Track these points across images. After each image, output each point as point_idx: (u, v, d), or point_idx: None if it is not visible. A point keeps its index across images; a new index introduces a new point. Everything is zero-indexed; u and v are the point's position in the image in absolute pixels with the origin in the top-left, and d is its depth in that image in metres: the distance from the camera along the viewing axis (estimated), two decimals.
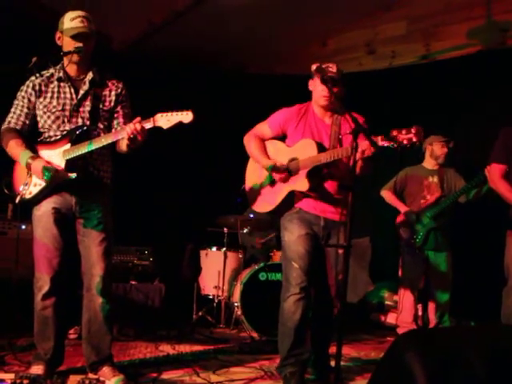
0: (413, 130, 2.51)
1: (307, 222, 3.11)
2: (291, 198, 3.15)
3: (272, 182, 3.24)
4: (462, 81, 5.57)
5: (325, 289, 3.15)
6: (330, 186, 3.09)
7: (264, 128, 3.30)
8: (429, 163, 4.88)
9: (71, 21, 2.88)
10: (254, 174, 3.39)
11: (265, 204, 3.28)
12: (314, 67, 3.11)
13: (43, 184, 2.88)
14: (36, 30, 4.82)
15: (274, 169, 3.11)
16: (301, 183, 3.07)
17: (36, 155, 2.90)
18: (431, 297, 4.75)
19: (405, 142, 2.53)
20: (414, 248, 4.71)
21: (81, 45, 2.86)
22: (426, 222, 4.67)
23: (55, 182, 2.85)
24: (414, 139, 2.51)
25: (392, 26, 5.57)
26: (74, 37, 2.86)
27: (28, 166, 2.87)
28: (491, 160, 3.41)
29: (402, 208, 4.83)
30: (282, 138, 3.30)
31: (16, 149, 2.92)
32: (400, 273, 4.94)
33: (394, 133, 2.56)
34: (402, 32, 5.67)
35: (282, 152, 3.20)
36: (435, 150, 4.80)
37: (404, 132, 2.53)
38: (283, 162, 3.14)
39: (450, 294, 4.65)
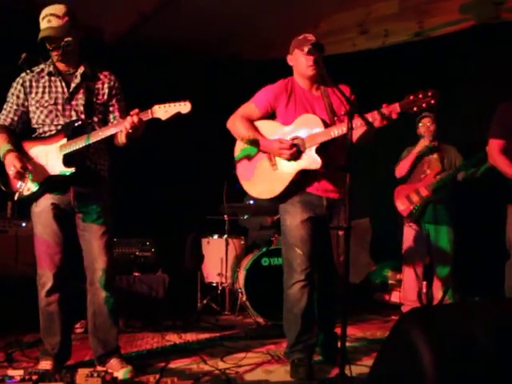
0: (429, 93, 2.56)
1: (310, 204, 3.01)
2: (299, 180, 2.99)
3: (273, 164, 3.06)
4: (457, 57, 5.54)
5: (329, 269, 3.14)
6: (331, 163, 2.97)
7: (250, 108, 3.11)
8: (426, 141, 4.89)
9: (42, 21, 2.84)
10: (246, 158, 3.17)
11: (268, 189, 3.07)
12: (300, 44, 3.03)
13: (41, 180, 2.88)
14: (26, 24, 4.78)
15: (279, 148, 2.93)
16: (312, 161, 2.92)
17: (12, 148, 2.88)
18: (434, 273, 4.77)
19: (423, 105, 2.58)
20: (412, 222, 4.74)
21: (54, 45, 2.82)
22: (423, 195, 4.70)
23: (17, 179, 2.86)
24: (432, 101, 2.56)
25: (384, 4, 5.53)
26: (41, 40, 2.83)
27: (3, 159, 2.87)
28: (489, 136, 3.41)
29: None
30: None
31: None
32: (402, 250, 4.96)
33: (411, 97, 2.60)
34: (394, 10, 5.63)
35: (280, 131, 3.03)
36: (420, 128, 4.84)
37: (421, 95, 2.58)
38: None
39: (450, 269, 4.66)
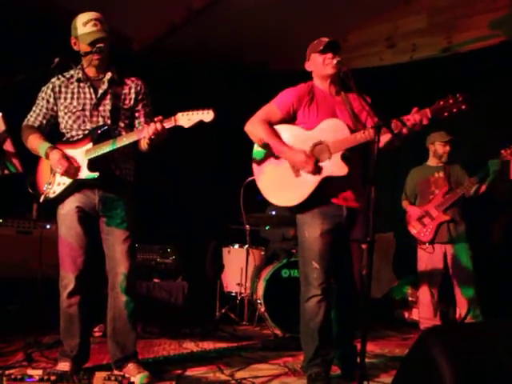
0: (460, 98, 2.56)
1: (330, 215, 2.93)
2: (323, 187, 2.89)
3: (295, 171, 2.95)
4: (486, 73, 5.49)
5: (349, 283, 3.10)
6: (354, 171, 2.91)
7: (272, 110, 3.02)
8: (433, 161, 4.96)
9: (84, 26, 2.90)
10: (266, 163, 3.06)
11: (287, 197, 2.97)
12: (318, 45, 3.01)
13: (67, 183, 2.92)
14: (53, 31, 4.89)
15: (305, 162, 2.85)
16: (338, 168, 2.83)
17: (54, 146, 2.94)
18: (458, 292, 4.68)
19: (454, 110, 2.58)
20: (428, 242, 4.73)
21: (102, 45, 2.88)
22: (435, 215, 4.66)
23: (68, 176, 2.89)
24: (463, 106, 2.56)
25: (412, 19, 5.53)
26: (91, 43, 2.88)
27: (47, 156, 2.93)
28: None
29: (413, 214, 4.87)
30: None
31: (35, 142, 2.99)
32: (418, 270, 4.93)
33: (442, 102, 2.61)
34: (422, 25, 5.63)
35: (302, 137, 2.94)
36: (437, 149, 4.85)
37: (451, 100, 2.58)
38: (306, 149, 2.90)
39: (475, 287, 4.59)
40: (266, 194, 3.06)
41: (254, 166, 3.12)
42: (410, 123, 2.68)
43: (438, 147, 4.85)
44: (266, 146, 3.01)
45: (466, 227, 4.73)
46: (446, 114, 2.62)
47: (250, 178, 3.18)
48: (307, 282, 2.95)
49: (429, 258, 4.78)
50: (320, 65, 2.99)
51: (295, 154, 2.91)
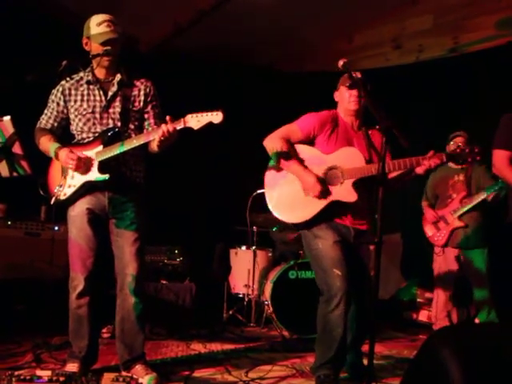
0: (476, 150, 2.82)
1: (338, 230, 3.01)
2: (330, 209, 2.97)
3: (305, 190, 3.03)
4: (493, 73, 5.47)
5: (360, 291, 3.09)
6: (363, 198, 2.99)
7: (293, 129, 3.08)
8: (453, 163, 4.77)
9: (98, 26, 2.91)
10: (278, 180, 3.11)
11: (295, 214, 3.04)
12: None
13: (77, 185, 2.94)
14: (61, 34, 4.93)
15: (313, 186, 2.93)
16: (347, 194, 2.94)
17: (61, 146, 2.97)
18: (473, 296, 4.64)
19: (469, 159, 2.84)
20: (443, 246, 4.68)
21: (110, 47, 2.90)
22: (450, 221, 4.61)
23: (79, 171, 2.91)
24: (478, 158, 2.83)
25: (419, 19, 5.50)
26: (104, 44, 2.89)
27: (56, 156, 2.96)
28: (495, 147, 3.33)
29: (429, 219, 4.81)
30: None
31: (46, 143, 3.02)
32: (434, 273, 4.88)
33: (458, 150, 2.85)
34: (428, 25, 5.60)
35: (319, 159, 3.03)
36: (451, 147, 4.70)
37: (468, 150, 2.83)
38: (321, 171, 3.00)
39: (488, 290, 4.51)
40: (274, 207, 3.11)
41: (268, 175, 3.16)
42: (424, 167, 2.87)
43: (451, 146, 4.63)
44: (280, 161, 3.06)
45: (484, 232, 4.60)
46: (460, 161, 2.89)
47: (260, 191, 3.20)
48: (330, 293, 2.92)
49: (443, 261, 4.72)
50: (345, 99, 3.10)
51: (306, 175, 2.98)
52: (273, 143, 3.05)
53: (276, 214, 3.10)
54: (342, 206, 2.99)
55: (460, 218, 4.60)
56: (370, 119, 2.80)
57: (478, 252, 4.57)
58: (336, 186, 2.98)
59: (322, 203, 2.97)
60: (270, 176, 3.16)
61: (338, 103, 3.19)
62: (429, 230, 4.80)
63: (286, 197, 3.07)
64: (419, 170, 2.90)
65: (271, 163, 3.15)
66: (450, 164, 4.79)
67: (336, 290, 2.89)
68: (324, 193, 2.94)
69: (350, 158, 2.98)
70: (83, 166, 2.91)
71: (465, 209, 4.57)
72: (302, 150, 3.08)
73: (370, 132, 3.14)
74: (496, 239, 4.65)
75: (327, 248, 2.95)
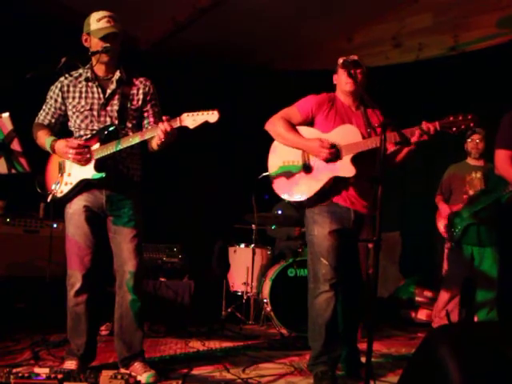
0: (469, 116, 2.73)
1: (338, 216, 3.02)
2: (329, 187, 3.02)
3: (307, 168, 3.07)
4: (494, 71, 5.46)
5: (356, 284, 3.13)
6: (363, 176, 3.00)
7: (293, 111, 3.16)
8: (471, 159, 4.74)
9: (98, 21, 2.91)
10: (277, 161, 3.19)
11: (297, 192, 3.08)
12: (340, 61, 3.13)
13: (74, 182, 2.94)
14: (61, 31, 4.92)
15: (320, 145, 2.98)
16: (346, 169, 2.97)
17: (56, 138, 2.97)
18: (477, 295, 4.60)
19: (462, 126, 2.74)
20: (455, 242, 4.62)
21: (109, 45, 2.89)
22: (465, 217, 4.56)
23: (78, 161, 2.90)
24: (471, 124, 2.73)
25: (418, 17, 5.49)
26: (103, 38, 2.89)
27: (52, 149, 2.96)
28: (496, 147, 3.33)
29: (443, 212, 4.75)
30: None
31: (42, 138, 3.02)
32: (443, 270, 4.84)
33: (451, 118, 2.76)
34: (428, 24, 5.59)
35: (318, 136, 3.06)
36: (468, 146, 4.69)
37: (461, 118, 2.74)
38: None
39: (493, 291, 4.46)
40: (277, 188, 3.17)
41: (273, 176, 3.20)
42: (419, 132, 2.81)
43: (468, 144, 4.69)
44: (283, 139, 3.13)
45: (496, 231, 4.57)
46: (454, 129, 2.77)
47: (264, 174, 3.26)
48: (316, 279, 3.01)
49: (455, 258, 4.67)
50: (342, 80, 3.15)
51: (310, 142, 3.04)
52: (274, 125, 3.15)
53: (279, 193, 3.17)
54: (343, 185, 3.03)
55: (475, 214, 4.56)
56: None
57: (490, 251, 4.53)
58: (336, 163, 3.01)
59: (323, 180, 3.01)
60: (278, 183, 3.19)
61: (336, 85, 3.24)
62: (442, 225, 4.75)
63: (288, 176, 3.14)
64: (414, 139, 2.84)
65: (275, 173, 3.19)
66: (469, 160, 4.76)
67: (321, 276, 2.97)
68: (334, 152, 2.98)
69: (348, 135, 3.02)
70: (84, 153, 2.89)
71: (480, 205, 4.52)
72: (302, 131, 3.15)
73: (369, 110, 3.18)
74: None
75: (321, 236, 3.00)
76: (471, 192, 4.61)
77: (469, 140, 4.68)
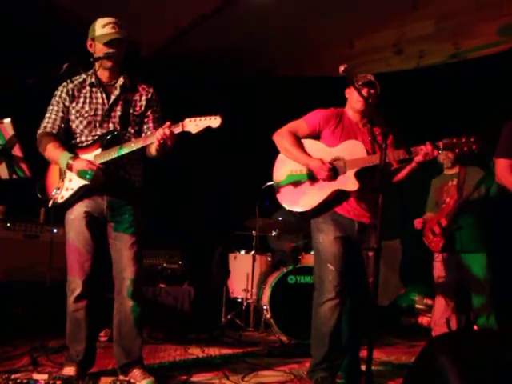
0: (472, 139, 2.80)
1: (342, 225, 3.08)
2: (332, 198, 3.09)
3: (312, 179, 3.14)
4: (494, 79, 5.46)
5: (362, 293, 3.12)
6: (366, 189, 3.05)
7: (300, 125, 3.23)
8: (447, 169, 4.80)
9: (103, 27, 2.92)
10: (285, 170, 3.25)
11: (301, 202, 3.15)
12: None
13: (75, 188, 2.93)
14: (64, 37, 4.93)
15: (319, 167, 3.04)
16: (350, 183, 3.03)
17: (76, 156, 2.91)
18: (472, 301, 4.59)
19: (465, 148, 2.82)
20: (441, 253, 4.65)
21: (112, 50, 2.90)
22: (444, 225, 4.59)
23: (98, 181, 2.85)
24: (474, 147, 2.80)
25: (420, 25, 5.51)
26: (108, 43, 2.90)
27: (69, 167, 2.87)
28: (496, 156, 3.33)
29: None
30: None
31: (54, 151, 2.93)
32: (434, 279, 4.85)
33: (455, 140, 2.84)
34: (430, 31, 5.60)
35: (323, 151, 3.15)
36: (439, 158, 4.72)
37: (464, 140, 2.82)
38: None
39: (486, 296, 4.44)
40: (281, 198, 3.24)
41: (280, 185, 3.25)
42: (423, 152, 2.88)
43: (439, 156, 4.67)
44: (287, 152, 3.22)
45: (481, 235, 4.54)
46: (456, 151, 2.85)
47: (269, 183, 3.31)
48: (322, 286, 3.02)
49: (442, 267, 4.69)
50: (354, 98, 3.20)
51: (312, 161, 3.10)
52: (282, 137, 3.22)
53: (283, 203, 3.23)
54: (347, 197, 3.09)
55: (455, 220, 4.57)
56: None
57: (477, 257, 4.51)
58: (339, 176, 3.08)
59: (326, 192, 3.07)
60: (284, 193, 3.25)
61: (348, 100, 3.29)
62: (426, 238, 4.76)
63: (296, 185, 3.20)
64: (419, 158, 2.91)
65: (282, 183, 3.25)
66: (445, 171, 4.82)
67: (327, 283, 2.98)
68: (332, 175, 3.04)
69: (353, 150, 3.09)
70: (101, 174, 2.86)
71: (456, 210, 4.53)
72: (309, 143, 3.22)
73: (374, 129, 3.22)
74: (496, 242, 4.63)
75: (327, 243, 3.05)
76: (448, 200, 4.65)
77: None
